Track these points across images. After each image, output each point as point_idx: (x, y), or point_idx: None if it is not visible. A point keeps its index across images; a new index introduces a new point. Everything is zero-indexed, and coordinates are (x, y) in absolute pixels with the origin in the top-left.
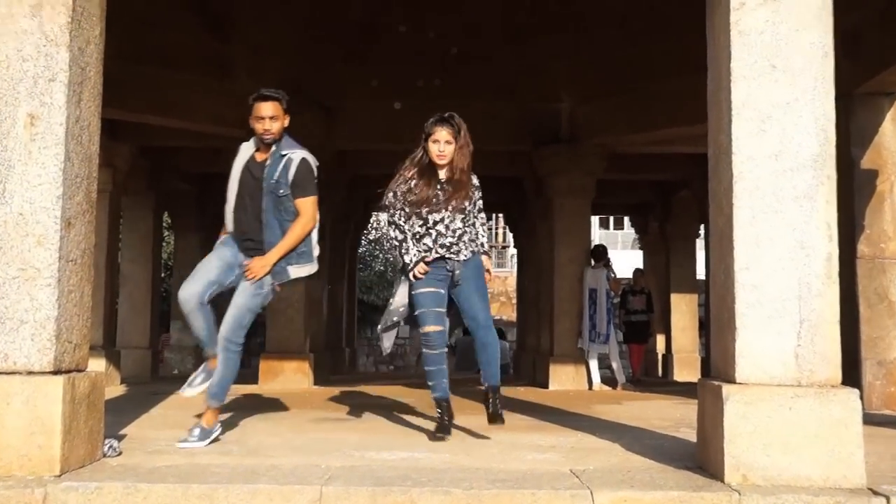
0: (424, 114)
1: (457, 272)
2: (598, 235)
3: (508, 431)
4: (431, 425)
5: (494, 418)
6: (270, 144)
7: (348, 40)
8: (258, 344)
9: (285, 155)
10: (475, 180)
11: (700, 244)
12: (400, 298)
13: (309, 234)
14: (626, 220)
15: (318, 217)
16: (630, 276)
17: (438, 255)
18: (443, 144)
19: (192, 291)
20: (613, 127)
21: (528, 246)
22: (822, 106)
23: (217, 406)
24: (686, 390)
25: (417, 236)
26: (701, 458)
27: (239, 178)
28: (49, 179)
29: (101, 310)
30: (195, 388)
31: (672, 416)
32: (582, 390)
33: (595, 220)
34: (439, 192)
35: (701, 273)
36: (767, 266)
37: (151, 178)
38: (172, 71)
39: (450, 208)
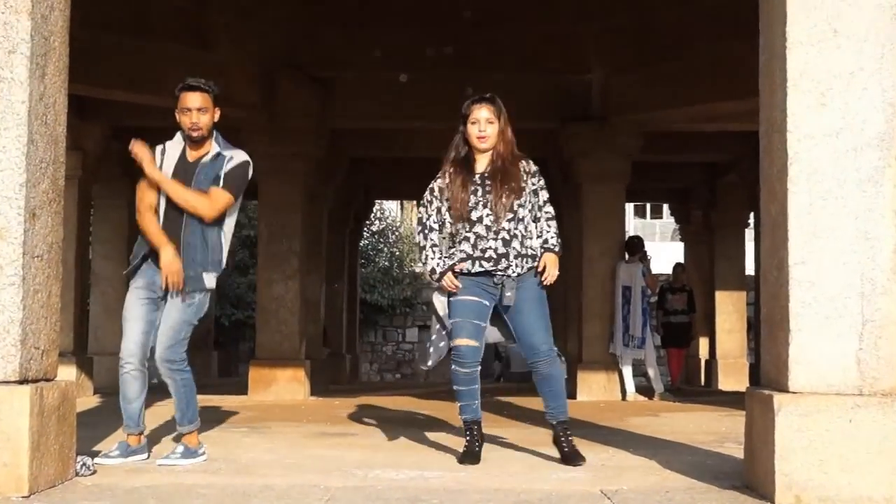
0: (433, 87)
1: (507, 292)
2: (633, 225)
3: (531, 447)
4: (445, 440)
5: (571, 458)
6: (199, 142)
7: (346, 3)
8: (248, 350)
9: (224, 155)
10: (530, 165)
11: (749, 234)
12: (441, 312)
13: (201, 219)
14: (666, 207)
15: (214, 217)
16: (669, 271)
17: (482, 270)
18: (483, 124)
19: (135, 343)
20: (651, 101)
21: None
22: (890, 76)
23: (194, 429)
24: (732, 400)
25: (457, 239)
26: (749, 476)
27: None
28: (10, 165)
29: (70, 312)
30: (112, 461)
31: (716, 430)
32: (614, 401)
33: (630, 207)
34: (478, 185)
35: (750, 268)
36: (826, 260)
37: (126, 162)
38: (147, 41)
39: (492, 204)
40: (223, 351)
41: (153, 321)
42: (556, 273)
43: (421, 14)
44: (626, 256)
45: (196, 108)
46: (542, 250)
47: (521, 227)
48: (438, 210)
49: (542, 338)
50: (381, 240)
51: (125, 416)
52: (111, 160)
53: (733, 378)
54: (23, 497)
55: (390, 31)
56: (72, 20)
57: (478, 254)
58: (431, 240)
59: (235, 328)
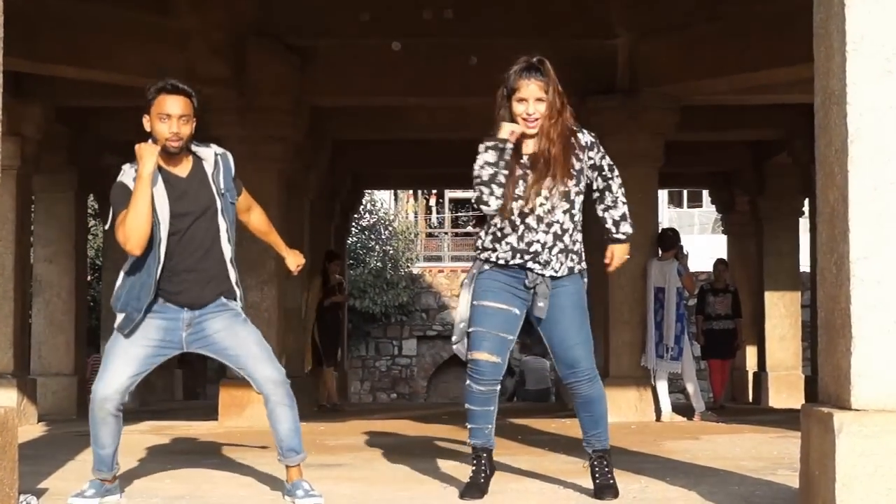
0: (431, 57)
1: (539, 294)
2: (667, 216)
3: (551, 477)
4: (448, 470)
5: (602, 491)
6: (176, 155)
7: None
8: (217, 368)
9: (219, 154)
10: (586, 137)
11: (804, 225)
12: (463, 309)
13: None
14: (705, 194)
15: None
16: (710, 269)
17: (519, 262)
18: (532, 104)
19: (120, 384)
20: (687, 70)
21: None
22: None
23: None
24: (785, 420)
25: (500, 234)
26: None
27: (169, 209)
28: None
29: (10, 325)
30: (86, 501)
31: (767, 455)
32: (647, 422)
33: (663, 194)
34: (528, 170)
35: (805, 264)
36: (893, 255)
37: (72, 149)
38: (94, 5)
39: (542, 192)
40: (189, 369)
41: (147, 370)
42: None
43: None
44: (660, 253)
45: (178, 115)
46: (609, 239)
47: (572, 220)
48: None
49: (582, 353)
50: (373, 236)
51: (97, 460)
52: (55, 147)
53: (786, 393)
54: None
55: None
56: None
57: (522, 246)
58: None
59: None
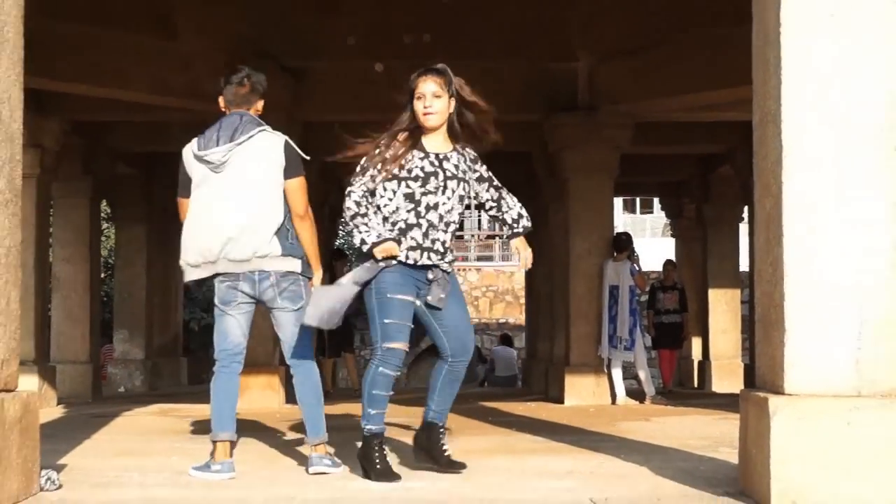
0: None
1: (441, 293)
2: (622, 221)
3: (517, 455)
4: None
5: (452, 465)
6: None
7: None
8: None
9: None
10: (470, 151)
11: (744, 230)
12: (346, 293)
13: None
14: (656, 201)
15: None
16: (660, 268)
17: (428, 263)
18: (429, 98)
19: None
20: (641, 90)
21: (538, 235)
22: (889, 63)
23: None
24: (727, 403)
25: (403, 225)
26: (744, 482)
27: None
28: None
29: (31, 318)
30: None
31: (710, 434)
32: (604, 405)
33: (618, 202)
34: (437, 168)
35: (745, 264)
36: (823, 256)
37: (86, 159)
38: (108, 30)
39: (447, 192)
40: (193, 357)
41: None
42: (530, 253)
43: None
44: (614, 254)
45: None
46: (512, 232)
47: (457, 220)
48: (373, 178)
49: (470, 336)
50: None
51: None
52: (71, 157)
53: (727, 380)
54: None
55: (365, 17)
56: (27, 9)
57: (427, 244)
58: (360, 207)
59: (206, 333)
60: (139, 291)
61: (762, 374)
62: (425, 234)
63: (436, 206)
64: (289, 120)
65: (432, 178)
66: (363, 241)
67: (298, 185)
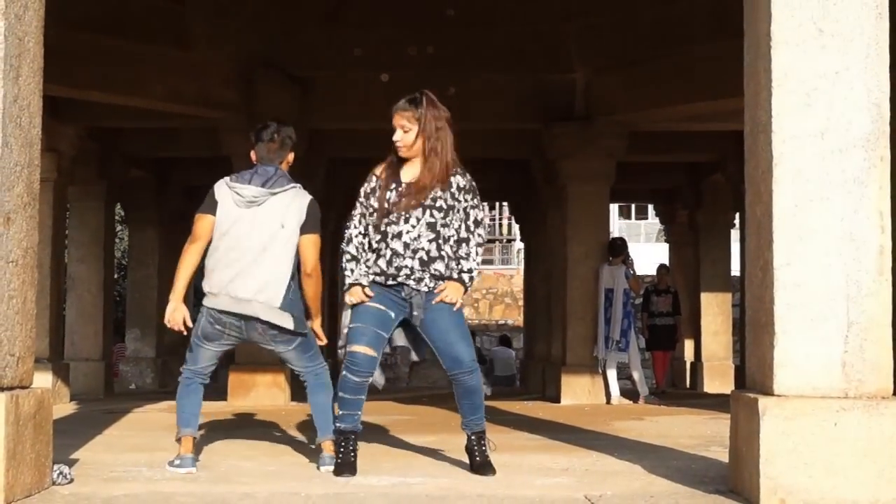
0: (415, 87)
1: (414, 305)
2: (617, 226)
3: (515, 452)
4: (428, 444)
5: (484, 468)
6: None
7: (325, 1)
8: (226, 355)
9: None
10: (464, 179)
11: (735, 235)
12: (347, 320)
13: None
14: (650, 208)
15: (194, 236)
16: (654, 273)
17: (393, 283)
18: (398, 133)
19: None
20: (636, 101)
21: (536, 240)
22: (875, 76)
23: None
24: (718, 403)
25: (377, 254)
26: (734, 480)
27: None
28: None
29: (46, 317)
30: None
31: (702, 434)
32: (599, 405)
33: (614, 208)
34: (402, 195)
35: (736, 269)
36: (811, 261)
37: (102, 164)
38: (123, 40)
39: (410, 220)
40: None
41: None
42: (458, 301)
43: (403, 12)
44: (610, 259)
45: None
46: (453, 276)
47: (446, 247)
48: (363, 216)
49: (463, 348)
50: None
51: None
52: (87, 162)
53: (719, 380)
54: None
55: (371, 29)
56: (46, 20)
57: (392, 271)
58: (350, 253)
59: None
60: (151, 292)
61: (752, 376)
62: (389, 262)
63: (399, 235)
64: (296, 128)
65: (394, 209)
66: (346, 286)
67: (313, 241)
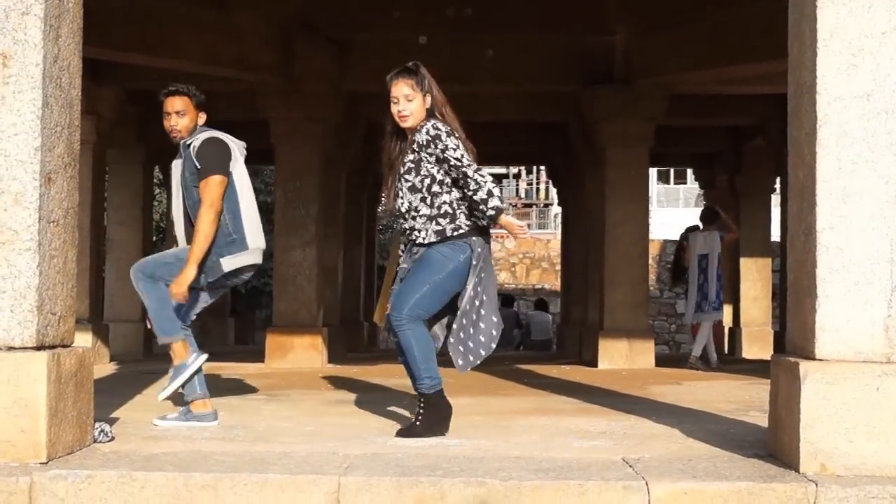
0: (453, 49)
1: (403, 264)
2: (655, 191)
3: (552, 415)
4: (464, 407)
5: (401, 431)
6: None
7: None
8: (264, 317)
9: (190, 144)
10: (422, 135)
11: (776, 200)
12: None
13: (233, 215)
14: (690, 172)
15: (219, 203)
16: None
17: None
18: (403, 102)
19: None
20: (676, 63)
21: (574, 203)
22: None
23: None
24: (756, 369)
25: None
26: (773, 445)
27: (174, 193)
28: (25, 129)
29: (86, 278)
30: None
31: (740, 399)
32: (636, 369)
33: (653, 172)
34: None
35: (775, 234)
36: (855, 225)
37: (140, 127)
38: (162, 2)
39: (400, 192)
40: (240, 318)
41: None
42: (522, 226)
43: None
44: (701, 226)
45: (175, 111)
46: (486, 217)
47: (437, 202)
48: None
49: (395, 302)
50: None
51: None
52: (126, 125)
53: (757, 346)
54: (41, 463)
55: None
56: None
57: (405, 236)
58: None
59: (252, 295)
60: None
61: (793, 340)
62: (402, 231)
63: (403, 216)
64: (334, 89)
65: (394, 190)
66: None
67: None
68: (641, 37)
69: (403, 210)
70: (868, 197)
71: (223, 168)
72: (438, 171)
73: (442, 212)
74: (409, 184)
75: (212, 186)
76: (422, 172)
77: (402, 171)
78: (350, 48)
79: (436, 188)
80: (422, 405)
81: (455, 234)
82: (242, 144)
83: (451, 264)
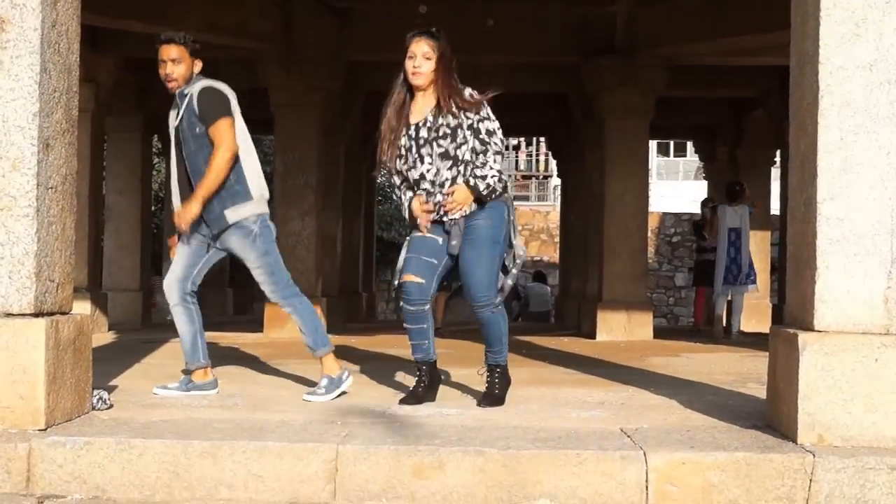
0: (454, 18)
1: (452, 235)
2: (655, 164)
3: (550, 386)
4: (462, 378)
5: (487, 398)
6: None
7: None
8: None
9: (187, 93)
10: (457, 99)
11: (775, 174)
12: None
13: (234, 165)
14: (690, 145)
15: (235, 145)
16: (697, 211)
17: (437, 219)
18: (419, 59)
19: (173, 278)
20: (678, 34)
21: (574, 175)
22: None
23: (327, 352)
24: (754, 342)
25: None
26: (771, 416)
27: (172, 143)
28: (24, 94)
29: (84, 247)
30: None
31: (738, 370)
32: (635, 340)
33: (652, 145)
34: (413, 140)
35: (775, 208)
36: (855, 196)
37: (139, 95)
38: None
39: (426, 159)
40: (238, 288)
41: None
42: (462, 208)
43: None
44: (728, 201)
45: (170, 59)
46: (466, 181)
47: (467, 170)
48: (382, 164)
49: (476, 281)
50: None
51: (186, 353)
52: (124, 93)
53: (756, 319)
54: (39, 430)
55: None
56: None
57: (431, 207)
58: (395, 184)
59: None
60: None
61: (792, 311)
62: (427, 202)
63: (422, 177)
64: (334, 58)
65: (409, 154)
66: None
67: None
68: (643, 7)
69: (430, 177)
70: (869, 167)
71: (228, 111)
72: (473, 140)
73: (480, 187)
74: (442, 150)
75: (223, 129)
76: (458, 139)
77: (433, 136)
78: (350, 17)
79: (468, 156)
80: (495, 374)
81: (492, 197)
82: (234, 94)
83: (501, 233)
